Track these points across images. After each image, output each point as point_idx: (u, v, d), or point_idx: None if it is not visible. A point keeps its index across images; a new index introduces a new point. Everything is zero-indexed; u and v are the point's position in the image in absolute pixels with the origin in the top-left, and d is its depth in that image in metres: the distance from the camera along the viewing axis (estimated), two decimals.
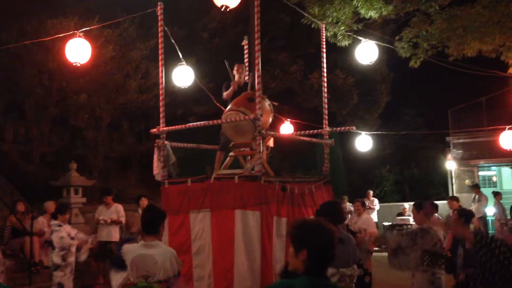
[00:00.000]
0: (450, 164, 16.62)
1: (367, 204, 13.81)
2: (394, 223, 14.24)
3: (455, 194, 15.65)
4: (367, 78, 18.04)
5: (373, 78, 18.70)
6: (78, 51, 6.19)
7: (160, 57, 6.41)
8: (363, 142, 9.43)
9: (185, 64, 7.16)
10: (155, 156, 6.35)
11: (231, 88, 6.51)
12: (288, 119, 9.31)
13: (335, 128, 7.35)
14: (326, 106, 7.23)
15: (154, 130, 6.35)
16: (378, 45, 7.64)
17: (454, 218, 6.33)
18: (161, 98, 6.44)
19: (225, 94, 6.60)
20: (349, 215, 9.24)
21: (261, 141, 5.61)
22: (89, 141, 13.55)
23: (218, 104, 7.46)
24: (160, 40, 6.40)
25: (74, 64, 6.21)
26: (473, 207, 13.93)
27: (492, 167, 17.56)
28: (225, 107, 6.51)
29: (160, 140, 6.27)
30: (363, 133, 9.39)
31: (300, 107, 16.79)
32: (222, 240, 5.45)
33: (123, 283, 4.25)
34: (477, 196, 13.93)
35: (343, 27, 9.18)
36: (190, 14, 13.77)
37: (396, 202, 17.99)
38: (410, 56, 9.67)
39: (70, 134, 14.04)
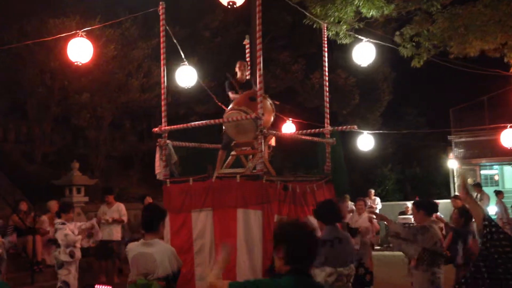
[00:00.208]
0: (452, 163, 16.62)
1: (368, 204, 13.82)
2: (396, 222, 14.23)
3: (456, 193, 15.65)
4: (368, 77, 18.03)
5: (375, 77, 18.69)
6: (80, 50, 6.22)
7: (162, 57, 6.42)
8: (365, 141, 9.42)
9: (187, 64, 7.18)
10: (157, 155, 6.37)
11: (234, 95, 6.48)
12: (290, 119, 9.32)
13: (336, 127, 7.35)
14: (327, 105, 7.24)
15: (156, 129, 6.37)
16: (380, 44, 7.65)
17: (455, 217, 6.36)
18: (163, 97, 6.46)
19: (231, 95, 6.57)
20: (351, 214, 9.24)
21: (263, 140, 5.62)
22: (91, 140, 13.57)
23: (219, 104, 7.48)
24: (161, 40, 6.42)
25: (76, 63, 6.23)
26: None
27: (494, 166, 17.57)
28: (227, 106, 6.53)
29: (162, 139, 6.28)
30: (365, 132, 9.39)
31: (301, 107, 16.79)
32: (224, 239, 5.46)
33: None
34: (479, 195, 13.92)
35: (345, 26, 9.18)
36: (191, 14, 13.78)
37: (398, 201, 17.98)
38: (412, 56, 9.66)
39: (72, 133, 14.06)
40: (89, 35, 6.36)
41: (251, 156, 6.42)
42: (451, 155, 16.77)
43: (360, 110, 18.85)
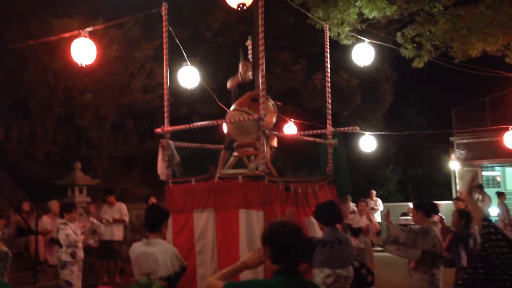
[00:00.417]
0: (454, 164, 16.61)
1: (371, 205, 13.82)
2: (398, 223, 14.23)
3: (458, 195, 15.64)
4: (370, 78, 18.01)
5: (377, 78, 18.67)
6: (83, 51, 6.23)
7: (164, 57, 6.43)
8: (367, 143, 9.42)
9: (189, 64, 7.19)
10: (160, 156, 6.38)
11: (235, 80, 6.50)
12: (292, 119, 9.33)
13: (338, 129, 7.36)
14: (329, 106, 7.25)
15: (159, 129, 6.38)
16: (382, 45, 7.66)
17: (455, 219, 6.36)
18: (165, 98, 6.47)
19: (229, 83, 6.59)
20: (352, 215, 9.25)
21: (265, 141, 5.63)
22: (93, 141, 13.61)
23: (221, 105, 7.49)
24: (164, 41, 6.43)
25: (80, 65, 6.25)
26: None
27: (496, 167, 17.54)
28: (229, 105, 6.54)
29: (164, 139, 6.30)
30: (367, 133, 9.39)
31: (303, 108, 16.79)
32: (226, 239, 5.48)
33: None
34: (480, 197, 13.92)
35: (347, 28, 9.19)
36: (193, 14, 13.81)
37: (399, 202, 17.98)
38: (414, 57, 9.66)
39: (75, 133, 14.10)
40: (92, 35, 6.37)
41: (253, 156, 6.43)
42: (452, 156, 16.77)
43: (362, 111, 18.84)
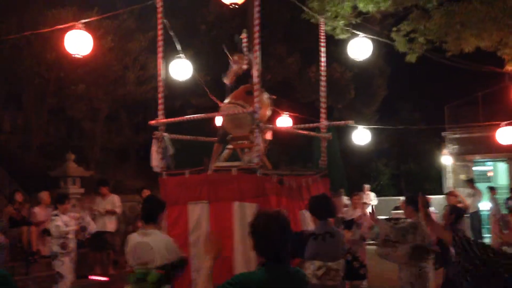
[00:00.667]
0: (446, 159, 16.72)
1: (363, 199, 13.88)
2: (390, 217, 14.32)
3: (450, 189, 15.76)
4: (364, 72, 18.03)
5: (371, 72, 18.71)
6: (78, 42, 6.21)
7: (158, 50, 6.41)
8: (360, 136, 9.48)
9: (182, 57, 7.17)
10: (154, 148, 6.38)
11: (231, 72, 6.46)
12: (286, 113, 9.35)
13: (332, 122, 7.39)
14: (324, 100, 7.27)
15: (153, 122, 6.38)
16: (376, 40, 7.67)
17: (445, 213, 6.42)
18: (159, 90, 6.45)
19: (226, 79, 6.56)
20: (346, 208, 9.30)
21: (259, 134, 5.65)
22: (87, 132, 13.57)
23: (213, 98, 7.47)
24: (159, 33, 6.41)
25: (75, 56, 6.22)
26: (468, 202, 14.06)
27: (488, 162, 17.67)
28: (222, 98, 6.54)
29: (158, 131, 6.30)
30: (360, 127, 9.44)
31: (297, 101, 16.80)
32: (219, 231, 5.50)
33: None
34: (472, 191, 14.05)
35: (342, 21, 9.20)
36: (187, 6, 13.75)
37: (392, 196, 18.09)
38: (407, 51, 9.70)
39: (68, 125, 14.05)
40: (86, 26, 6.34)
41: (247, 149, 6.45)
42: (445, 151, 16.87)
43: (356, 105, 18.88)
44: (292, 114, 9.49)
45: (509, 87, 11.48)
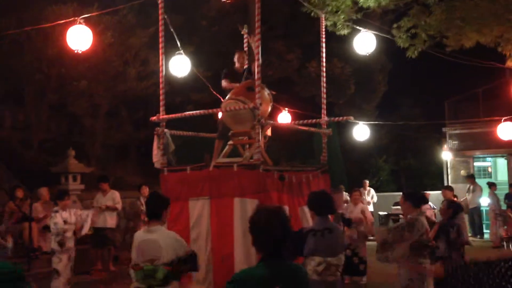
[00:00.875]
0: (446, 155, 16.73)
1: (364, 196, 13.92)
2: (390, 212, 14.36)
3: (450, 185, 15.79)
4: (365, 68, 18.02)
5: (371, 68, 18.69)
6: (79, 38, 6.21)
7: (160, 45, 6.42)
8: (360, 132, 9.48)
9: (182, 53, 7.18)
10: (155, 144, 6.40)
11: (230, 86, 6.48)
12: (286, 109, 9.36)
13: (332, 118, 7.40)
14: (324, 96, 7.28)
15: (154, 118, 6.39)
16: (377, 35, 7.67)
17: (443, 208, 6.44)
18: (161, 86, 6.47)
19: (223, 84, 6.58)
20: (345, 204, 9.32)
21: (260, 130, 5.67)
22: (87, 128, 13.57)
23: (215, 93, 7.49)
24: (160, 28, 6.42)
25: (76, 51, 6.23)
26: (467, 197, 14.10)
27: (488, 158, 17.69)
28: (223, 96, 6.55)
29: (160, 128, 6.31)
30: (360, 122, 9.45)
31: (297, 96, 16.80)
32: (221, 227, 5.53)
33: None
34: (472, 187, 14.08)
35: (342, 16, 9.18)
36: (188, 2, 13.73)
37: (392, 192, 18.11)
38: (408, 46, 9.68)
39: (69, 121, 14.04)
40: (86, 21, 6.34)
41: (247, 145, 6.46)
42: (445, 146, 16.88)
43: (356, 101, 18.88)
44: (292, 109, 9.50)
45: (510, 83, 11.49)
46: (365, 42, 7.42)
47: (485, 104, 16.06)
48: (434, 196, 13.00)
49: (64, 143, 12.27)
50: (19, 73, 12.30)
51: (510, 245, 12.21)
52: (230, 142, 6.54)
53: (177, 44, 7.08)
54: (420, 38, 9.44)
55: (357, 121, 9.21)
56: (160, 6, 6.41)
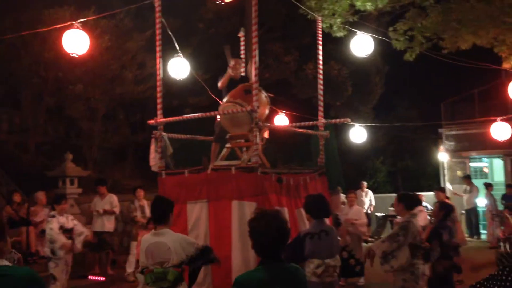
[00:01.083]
0: (443, 156, 16.77)
1: (362, 199, 13.94)
2: (387, 214, 14.38)
3: (447, 185, 15.84)
4: (361, 70, 18.06)
5: (368, 70, 18.74)
6: (75, 42, 6.21)
7: (157, 49, 6.42)
8: (357, 134, 9.50)
9: (180, 55, 7.19)
10: (152, 147, 6.39)
11: (225, 76, 6.51)
12: (283, 111, 9.38)
13: (330, 120, 7.42)
14: (321, 98, 7.30)
15: (152, 121, 6.39)
16: (373, 37, 7.70)
17: (435, 210, 6.48)
18: (158, 89, 6.46)
19: (219, 82, 6.61)
20: (343, 206, 9.34)
21: (258, 133, 5.68)
22: (84, 132, 13.55)
23: (214, 96, 7.50)
24: (157, 32, 6.42)
25: (72, 55, 6.23)
26: (464, 198, 14.14)
27: (484, 159, 17.74)
28: (220, 98, 6.56)
29: (157, 131, 6.31)
30: (357, 125, 9.47)
31: (294, 98, 16.83)
32: (219, 230, 5.54)
33: None
34: (468, 187, 14.12)
35: (339, 19, 9.22)
36: (185, 5, 13.74)
37: (389, 193, 18.13)
38: (405, 49, 9.73)
39: (66, 124, 14.02)
40: (83, 25, 6.34)
41: (245, 148, 6.47)
42: (441, 147, 16.92)
43: (353, 103, 18.92)
44: (289, 112, 9.52)
45: (505, 84, 11.52)
46: (363, 44, 7.45)
47: (481, 105, 16.12)
48: (430, 198, 13.03)
49: (61, 146, 12.26)
50: (16, 76, 12.29)
51: (507, 246, 12.24)
52: (228, 145, 6.54)
53: (174, 47, 7.09)
54: (416, 40, 9.48)
55: (354, 123, 9.24)
56: (157, 9, 6.41)
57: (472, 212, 14.05)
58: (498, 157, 16.71)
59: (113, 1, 11.14)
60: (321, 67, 7.39)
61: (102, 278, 9.03)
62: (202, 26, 14.96)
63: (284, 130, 9.28)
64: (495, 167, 17.95)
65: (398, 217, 5.88)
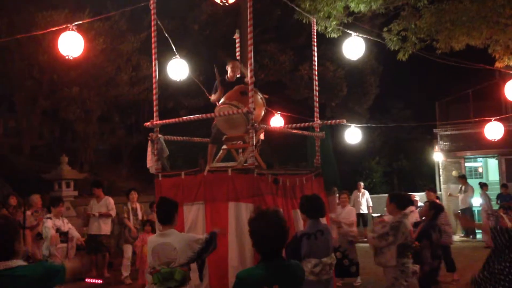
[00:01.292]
0: (437, 156, 16.85)
1: (359, 197, 13.98)
2: (383, 214, 14.40)
3: (442, 185, 15.92)
4: (356, 71, 18.12)
5: (363, 71, 18.80)
6: (70, 44, 6.21)
7: (153, 51, 6.42)
8: (353, 135, 9.55)
9: (178, 57, 7.20)
10: (149, 149, 6.39)
11: (218, 93, 6.49)
12: (279, 112, 9.39)
13: (325, 121, 7.44)
14: (317, 99, 7.31)
15: (148, 123, 6.38)
16: (368, 38, 7.73)
17: (425, 209, 6.55)
18: (154, 91, 6.45)
19: (212, 96, 6.60)
20: (339, 206, 9.36)
21: (254, 134, 5.68)
22: (80, 134, 13.53)
23: (210, 97, 7.49)
24: (153, 34, 6.41)
25: (67, 57, 6.22)
26: (459, 198, 14.20)
27: (479, 159, 17.83)
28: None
29: (153, 133, 6.31)
30: (352, 125, 9.51)
31: (289, 99, 16.86)
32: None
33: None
34: (463, 187, 14.18)
35: (334, 22, 9.25)
36: (180, 6, 13.75)
37: (385, 193, 18.18)
38: (399, 49, 9.76)
39: (61, 127, 14.00)
40: (78, 28, 6.33)
41: (241, 150, 6.48)
42: (436, 148, 17.00)
43: (348, 103, 18.98)
44: (284, 113, 9.54)
45: (499, 84, 11.60)
46: (354, 47, 7.49)
47: (475, 105, 16.21)
48: (423, 198, 13.07)
49: (56, 149, 12.24)
50: (10, 79, 12.26)
51: None
52: (224, 146, 6.55)
53: (169, 49, 7.10)
54: (410, 41, 9.52)
55: (350, 124, 9.27)
56: (152, 12, 6.41)
57: (467, 212, 14.11)
58: (492, 156, 16.81)
59: (108, 3, 11.15)
60: (316, 68, 7.41)
61: (99, 281, 9.00)
62: (197, 27, 14.96)
63: (280, 131, 9.29)
64: (490, 167, 18.07)
65: (386, 215, 5.93)
